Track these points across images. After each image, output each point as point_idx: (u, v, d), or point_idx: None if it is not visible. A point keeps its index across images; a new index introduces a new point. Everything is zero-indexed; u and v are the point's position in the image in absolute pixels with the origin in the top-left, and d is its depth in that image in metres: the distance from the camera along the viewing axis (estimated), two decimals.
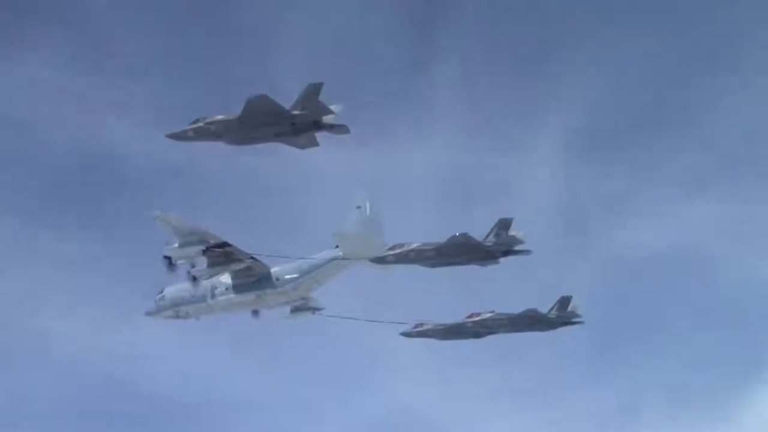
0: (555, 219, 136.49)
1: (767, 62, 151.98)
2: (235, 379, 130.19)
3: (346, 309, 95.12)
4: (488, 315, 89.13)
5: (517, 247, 71.22)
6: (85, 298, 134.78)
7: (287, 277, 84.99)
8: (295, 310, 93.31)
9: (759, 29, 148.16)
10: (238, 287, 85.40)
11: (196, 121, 58.34)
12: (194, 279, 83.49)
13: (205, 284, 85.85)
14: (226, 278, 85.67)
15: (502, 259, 72.95)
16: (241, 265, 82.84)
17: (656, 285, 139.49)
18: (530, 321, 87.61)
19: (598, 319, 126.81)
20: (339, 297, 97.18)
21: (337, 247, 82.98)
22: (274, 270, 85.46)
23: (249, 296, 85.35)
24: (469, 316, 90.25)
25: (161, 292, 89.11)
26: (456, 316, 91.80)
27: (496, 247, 70.79)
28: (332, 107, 56.57)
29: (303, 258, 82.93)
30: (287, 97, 55.34)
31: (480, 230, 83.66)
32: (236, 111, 57.07)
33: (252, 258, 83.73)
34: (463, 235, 69.47)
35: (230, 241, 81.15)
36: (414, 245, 72.45)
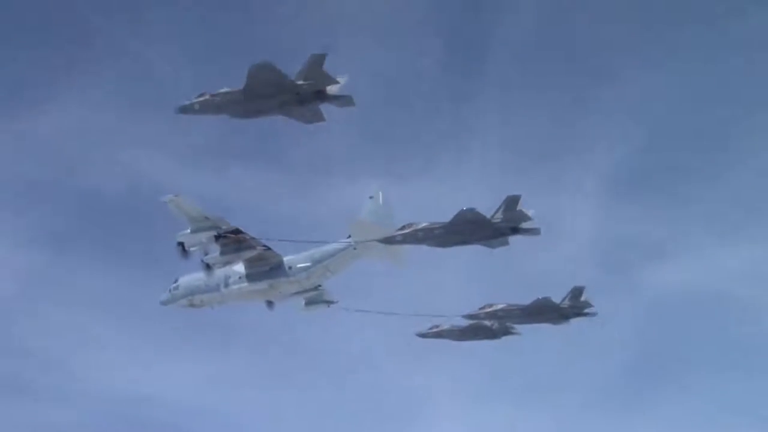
0: (593, 258, 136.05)
1: None
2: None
3: (361, 303, 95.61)
4: (501, 306, 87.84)
5: (526, 225, 69.54)
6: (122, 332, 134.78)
7: (300, 266, 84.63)
8: (310, 303, 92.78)
9: None
10: (251, 276, 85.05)
11: (202, 94, 57.87)
12: (208, 267, 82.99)
13: (219, 273, 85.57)
14: (239, 267, 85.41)
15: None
16: (254, 253, 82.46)
17: (691, 325, 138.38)
18: (543, 311, 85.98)
19: (634, 354, 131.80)
20: (354, 291, 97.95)
21: (349, 236, 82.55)
22: (287, 259, 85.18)
23: (262, 285, 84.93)
24: (482, 308, 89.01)
25: (176, 281, 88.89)
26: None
27: (504, 224, 69.13)
28: (338, 78, 56.29)
29: (313, 242, 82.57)
30: None
31: (523, 271, 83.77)
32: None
33: (265, 246, 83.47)
34: (470, 210, 67.85)
35: (242, 228, 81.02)
36: (423, 224, 71.05)
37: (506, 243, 71.60)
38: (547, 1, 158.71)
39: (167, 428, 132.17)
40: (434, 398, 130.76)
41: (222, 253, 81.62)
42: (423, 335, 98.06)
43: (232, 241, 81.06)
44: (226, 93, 56.95)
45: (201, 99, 58.02)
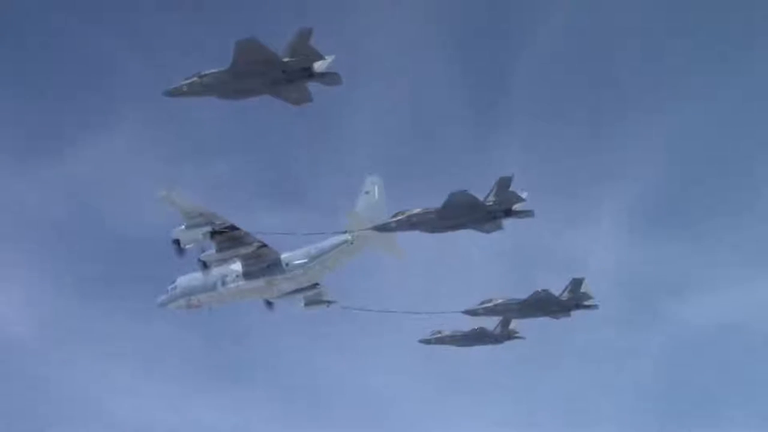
0: (619, 289, 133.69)
1: None
2: None
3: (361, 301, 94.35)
4: (500, 300, 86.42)
5: (518, 207, 68.10)
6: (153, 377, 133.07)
7: (297, 262, 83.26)
8: (309, 303, 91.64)
9: None
10: (248, 274, 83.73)
11: (191, 76, 57.23)
12: (204, 265, 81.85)
13: (216, 272, 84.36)
14: (236, 266, 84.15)
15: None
16: (250, 249, 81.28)
17: (718, 360, 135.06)
18: (542, 304, 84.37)
19: (661, 388, 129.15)
20: (353, 289, 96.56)
21: (345, 232, 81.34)
22: (284, 256, 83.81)
23: (259, 282, 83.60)
24: (482, 303, 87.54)
25: (173, 282, 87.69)
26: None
27: (497, 206, 67.71)
28: (325, 56, 55.36)
29: (308, 234, 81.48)
30: None
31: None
32: None
33: (261, 243, 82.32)
34: (462, 192, 66.54)
35: (237, 224, 79.93)
36: (416, 210, 69.92)
37: (500, 227, 70.07)
38: (569, 33, 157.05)
39: None
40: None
41: (218, 250, 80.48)
42: (426, 341, 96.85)
43: (228, 237, 79.95)
44: (214, 73, 56.14)
45: (189, 81, 57.22)
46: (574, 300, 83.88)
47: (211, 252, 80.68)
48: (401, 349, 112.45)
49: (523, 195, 68.86)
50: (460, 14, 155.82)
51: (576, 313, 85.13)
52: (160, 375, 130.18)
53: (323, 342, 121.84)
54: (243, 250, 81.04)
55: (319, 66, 54.84)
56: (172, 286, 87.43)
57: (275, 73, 54.88)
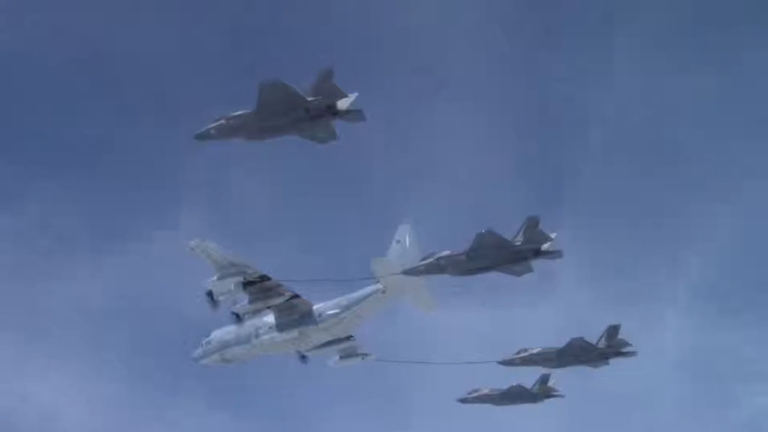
0: (683, 372, 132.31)
1: None
2: None
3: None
4: (537, 350, 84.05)
5: (547, 247, 66.39)
6: None
7: (329, 312, 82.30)
8: (345, 356, 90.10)
9: None
10: (281, 325, 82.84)
11: (218, 119, 57.29)
12: (237, 318, 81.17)
13: (249, 325, 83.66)
14: (269, 318, 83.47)
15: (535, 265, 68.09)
16: (282, 299, 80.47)
17: None
18: (579, 352, 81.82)
19: None
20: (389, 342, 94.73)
21: (375, 278, 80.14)
22: (316, 307, 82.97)
23: (292, 333, 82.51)
24: (518, 353, 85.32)
25: (208, 336, 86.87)
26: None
27: (525, 246, 66.00)
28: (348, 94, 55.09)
29: (339, 280, 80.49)
30: None
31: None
32: None
33: (294, 294, 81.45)
34: (489, 231, 65.07)
35: (269, 275, 79.22)
36: (444, 252, 68.52)
37: (530, 269, 68.29)
38: (628, 116, 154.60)
39: None
40: None
41: (251, 301, 79.93)
42: (464, 400, 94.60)
43: (260, 288, 79.32)
44: (240, 115, 56.01)
45: (216, 124, 57.16)
46: (611, 348, 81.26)
47: (244, 303, 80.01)
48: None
49: (552, 235, 67.28)
50: (517, 101, 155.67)
51: (636, 399, 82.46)
52: None
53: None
54: (275, 301, 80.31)
55: (342, 104, 54.49)
56: (207, 340, 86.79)
57: (299, 113, 54.62)
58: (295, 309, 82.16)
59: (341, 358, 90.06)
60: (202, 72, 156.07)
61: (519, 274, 68.68)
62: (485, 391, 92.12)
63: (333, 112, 54.65)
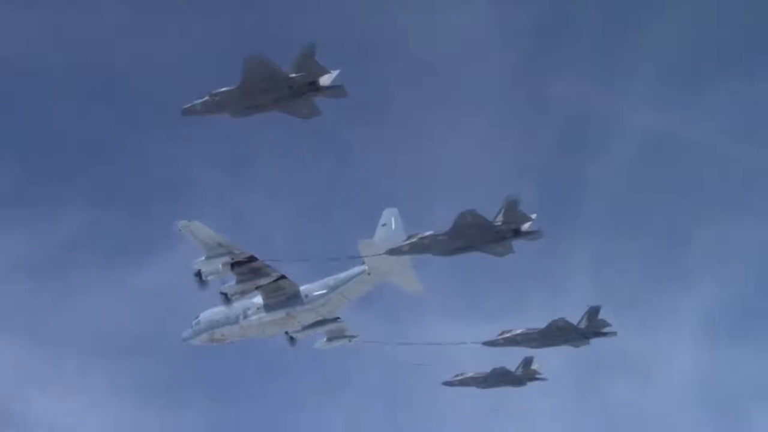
0: (698, 398, 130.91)
1: None
2: None
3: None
4: (519, 330, 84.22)
5: (526, 227, 66.46)
6: None
7: (316, 293, 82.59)
8: (331, 338, 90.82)
9: None
10: (269, 306, 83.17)
11: (204, 95, 57.45)
12: (226, 298, 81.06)
13: (238, 306, 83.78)
14: (257, 299, 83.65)
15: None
16: (269, 279, 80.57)
17: None
18: (561, 332, 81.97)
19: None
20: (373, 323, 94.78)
21: (359, 257, 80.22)
22: (303, 288, 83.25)
23: (280, 314, 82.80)
24: (501, 334, 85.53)
25: (197, 317, 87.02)
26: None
27: (505, 226, 66.07)
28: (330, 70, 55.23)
29: (326, 259, 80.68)
30: None
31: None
32: None
33: (281, 275, 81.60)
34: (470, 211, 65.10)
35: (256, 255, 79.34)
36: (427, 233, 68.57)
37: (512, 250, 68.25)
38: (641, 142, 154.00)
39: None
40: None
41: (238, 282, 79.85)
42: (449, 383, 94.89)
43: (248, 269, 79.36)
44: (225, 91, 56.23)
45: (202, 100, 57.39)
46: (591, 327, 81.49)
47: (231, 284, 79.99)
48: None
49: (532, 216, 67.28)
50: (534, 124, 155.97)
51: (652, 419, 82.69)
52: None
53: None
54: (262, 281, 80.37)
55: (324, 80, 54.65)
56: (196, 320, 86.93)
57: (283, 89, 54.84)
58: (283, 290, 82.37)
59: (328, 339, 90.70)
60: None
61: (501, 254, 68.54)
62: (470, 374, 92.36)
63: (315, 88, 54.99)
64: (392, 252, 71.30)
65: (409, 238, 69.88)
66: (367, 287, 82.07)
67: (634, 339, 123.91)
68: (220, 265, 77.32)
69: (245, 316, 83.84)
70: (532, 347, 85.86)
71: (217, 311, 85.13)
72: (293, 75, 54.14)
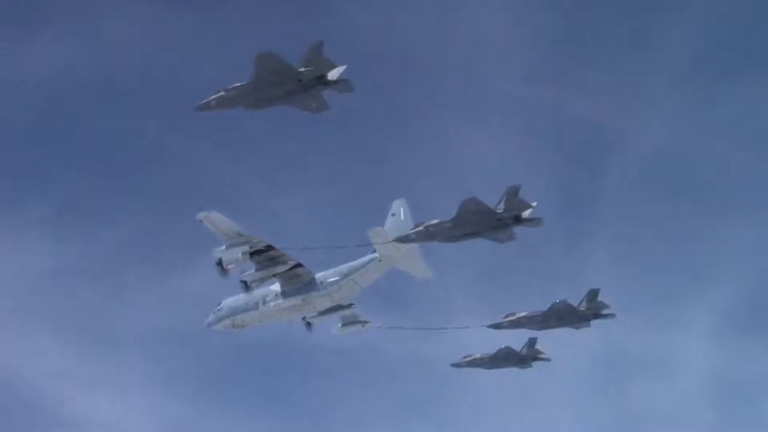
0: (712, 398, 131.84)
1: None
2: None
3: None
4: (523, 313, 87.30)
5: (528, 214, 69.46)
6: None
7: (330, 280, 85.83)
8: (346, 324, 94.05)
9: None
10: (286, 293, 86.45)
11: (218, 91, 60.79)
12: (246, 285, 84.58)
13: (257, 293, 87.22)
14: (275, 286, 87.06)
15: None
16: (286, 267, 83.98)
17: None
18: (562, 314, 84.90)
19: None
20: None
21: (370, 244, 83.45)
22: (318, 275, 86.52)
23: (296, 300, 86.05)
24: (506, 316, 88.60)
25: (219, 303, 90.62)
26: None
27: (506, 214, 69.11)
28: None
29: (338, 247, 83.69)
30: None
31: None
32: None
33: (297, 263, 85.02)
34: (472, 198, 68.26)
35: (274, 244, 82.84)
36: (433, 221, 71.87)
37: (513, 237, 71.27)
38: (659, 138, 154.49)
39: None
40: None
41: (257, 270, 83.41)
42: (457, 365, 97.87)
43: (266, 257, 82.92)
44: (238, 87, 59.41)
45: (216, 95, 60.64)
46: (592, 309, 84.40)
47: (251, 272, 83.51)
48: None
49: (533, 203, 70.23)
50: (552, 126, 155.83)
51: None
52: None
53: None
54: (280, 269, 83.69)
55: (332, 74, 57.87)
56: (218, 307, 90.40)
57: (292, 83, 58.07)
58: (299, 277, 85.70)
59: (343, 325, 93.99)
60: None
61: (503, 241, 71.58)
62: (477, 356, 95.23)
63: (323, 82, 58.26)
64: (401, 240, 74.90)
65: (415, 226, 73.35)
66: (378, 274, 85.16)
67: (652, 337, 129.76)
68: (240, 254, 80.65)
69: (264, 303, 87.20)
70: (534, 329, 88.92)
71: (238, 298, 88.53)
72: (302, 69, 57.51)
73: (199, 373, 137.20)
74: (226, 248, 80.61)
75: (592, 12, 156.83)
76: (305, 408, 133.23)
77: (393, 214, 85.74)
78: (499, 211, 69.18)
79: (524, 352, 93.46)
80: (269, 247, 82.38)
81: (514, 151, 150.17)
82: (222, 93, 60.27)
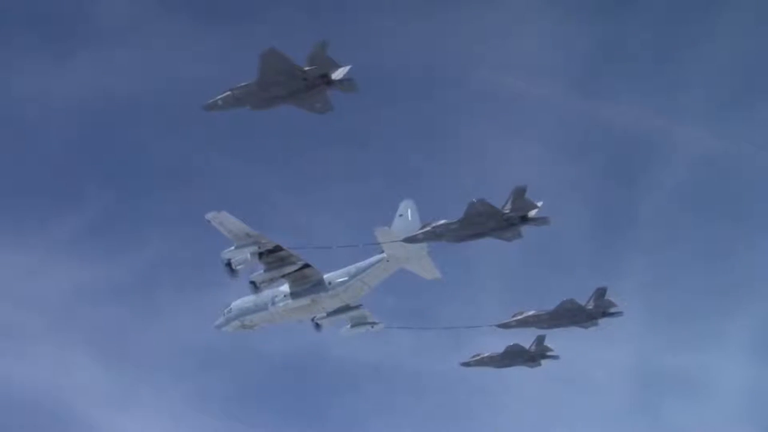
0: (749, 416, 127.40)
1: None
2: None
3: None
4: (531, 312, 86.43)
5: (534, 214, 68.85)
6: None
7: (338, 280, 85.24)
8: (355, 325, 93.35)
9: None
10: (295, 293, 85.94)
11: (225, 91, 60.47)
12: (255, 286, 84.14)
13: (266, 294, 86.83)
14: (284, 287, 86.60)
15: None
16: (294, 267, 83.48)
17: None
18: (569, 313, 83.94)
19: None
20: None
21: (382, 252, 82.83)
22: (327, 276, 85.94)
23: (305, 300, 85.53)
24: (514, 315, 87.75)
25: (229, 305, 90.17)
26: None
27: (513, 214, 68.52)
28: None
29: (346, 246, 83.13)
30: None
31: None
32: None
33: (305, 264, 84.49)
34: (480, 200, 67.68)
35: (282, 245, 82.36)
36: (440, 221, 71.37)
37: (520, 235, 70.75)
38: (697, 151, 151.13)
39: None
40: None
41: (266, 270, 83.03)
42: (466, 364, 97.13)
43: (275, 258, 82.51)
44: (244, 86, 59.11)
45: (223, 95, 60.36)
46: (599, 308, 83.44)
47: (259, 272, 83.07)
48: None
49: (539, 203, 69.65)
50: (586, 144, 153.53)
51: None
52: None
53: None
54: (288, 269, 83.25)
55: (337, 74, 57.39)
56: (228, 309, 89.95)
57: (297, 82, 57.63)
58: (308, 278, 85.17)
59: (352, 326, 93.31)
60: None
61: (509, 239, 71.16)
62: (486, 355, 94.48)
63: (327, 81, 57.78)
64: (408, 240, 74.42)
65: (423, 226, 72.87)
66: (386, 274, 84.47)
67: (687, 356, 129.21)
68: (249, 254, 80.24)
69: (273, 303, 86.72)
70: (543, 328, 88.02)
71: (247, 300, 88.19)
72: (307, 68, 57.08)
73: (228, 390, 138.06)
74: (235, 248, 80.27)
75: (628, 23, 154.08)
76: (333, 423, 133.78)
77: (400, 215, 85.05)
78: (506, 212, 68.73)
79: (533, 349, 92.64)
80: (278, 248, 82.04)
81: (552, 162, 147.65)
82: (228, 93, 60.05)
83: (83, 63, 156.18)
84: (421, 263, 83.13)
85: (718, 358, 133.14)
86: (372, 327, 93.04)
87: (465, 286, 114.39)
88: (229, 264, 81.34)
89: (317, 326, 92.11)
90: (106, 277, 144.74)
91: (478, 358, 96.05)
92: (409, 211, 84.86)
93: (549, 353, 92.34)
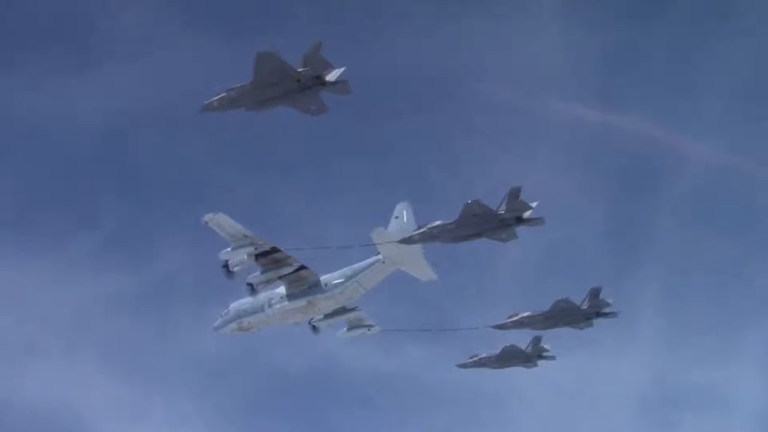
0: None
1: None
2: None
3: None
4: (526, 313, 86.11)
5: (529, 215, 68.59)
6: None
7: (334, 282, 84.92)
8: (351, 328, 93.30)
9: None
10: (291, 295, 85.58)
11: (220, 92, 60.14)
12: (252, 288, 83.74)
13: (263, 296, 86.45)
14: (281, 289, 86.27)
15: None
16: (291, 269, 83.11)
17: None
18: (564, 313, 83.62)
19: None
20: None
21: (378, 254, 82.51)
22: (323, 277, 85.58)
23: (301, 302, 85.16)
24: (510, 317, 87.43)
25: (227, 308, 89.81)
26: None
27: (508, 215, 68.30)
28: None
29: (341, 247, 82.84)
30: None
31: None
32: None
33: (302, 266, 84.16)
34: (476, 201, 67.46)
35: (279, 246, 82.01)
36: (436, 222, 71.10)
37: (515, 236, 70.57)
38: (712, 165, 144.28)
39: None
40: None
41: (263, 272, 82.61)
42: (463, 365, 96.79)
43: (271, 259, 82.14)
44: (239, 87, 58.79)
45: (219, 96, 60.01)
46: (594, 308, 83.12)
47: (256, 274, 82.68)
48: None
49: (533, 204, 69.42)
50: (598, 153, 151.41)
51: None
52: None
53: None
54: (285, 271, 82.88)
55: (330, 76, 57.12)
56: (225, 311, 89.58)
57: (291, 83, 57.38)
58: (304, 279, 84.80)
59: (349, 329, 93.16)
60: None
61: (505, 240, 70.98)
62: (483, 356, 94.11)
63: (321, 83, 57.49)
64: (404, 241, 74.17)
65: (419, 228, 72.68)
66: (382, 276, 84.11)
67: (703, 372, 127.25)
68: (245, 256, 79.92)
69: (270, 305, 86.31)
70: (538, 329, 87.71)
71: (245, 302, 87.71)
72: (301, 69, 56.85)
73: (239, 403, 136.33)
74: (232, 250, 79.92)
75: (642, 33, 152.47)
76: None
77: (396, 217, 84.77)
78: (501, 212, 68.51)
79: (529, 350, 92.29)
80: (274, 249, 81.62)
81: (564, 170, 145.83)
82: (224, 94, 59.71)
83: (96, 78, 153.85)
84: (417, 264, 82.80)
85: (734, 372, 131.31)
86: (368, 330, 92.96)
87: (461, 288, 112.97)
88: (226, 265, 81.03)
89: (314, 329, 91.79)
90: (119, 291, 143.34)
91: (474, 359, 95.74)
92: (405, 213, 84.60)
93: (545, 354, 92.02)
